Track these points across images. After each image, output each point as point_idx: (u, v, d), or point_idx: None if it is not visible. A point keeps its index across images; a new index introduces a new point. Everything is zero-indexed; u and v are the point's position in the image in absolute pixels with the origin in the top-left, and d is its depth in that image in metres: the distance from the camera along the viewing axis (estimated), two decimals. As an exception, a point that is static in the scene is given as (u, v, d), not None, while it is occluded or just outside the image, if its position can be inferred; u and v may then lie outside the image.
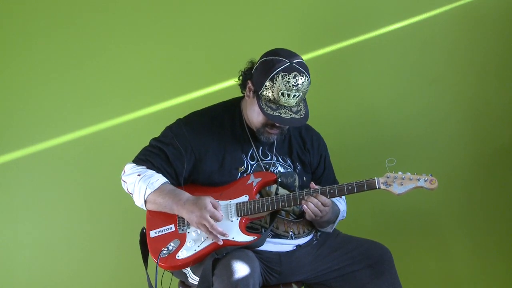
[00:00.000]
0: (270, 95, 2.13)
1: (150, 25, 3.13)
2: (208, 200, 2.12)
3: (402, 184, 2.15)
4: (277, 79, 2.12)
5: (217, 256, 2.08)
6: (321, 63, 3.10)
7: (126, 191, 2.26)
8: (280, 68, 2.13)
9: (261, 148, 2.31)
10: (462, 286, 3.19)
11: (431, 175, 2.14)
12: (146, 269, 2.26)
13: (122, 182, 2.27)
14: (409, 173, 2.16)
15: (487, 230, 3.17)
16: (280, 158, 2.33)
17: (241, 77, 2.27)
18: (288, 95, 2.12)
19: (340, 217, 2.41)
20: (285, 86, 2.11)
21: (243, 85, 2.27)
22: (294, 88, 2.12)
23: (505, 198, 3.15)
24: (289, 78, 2.12)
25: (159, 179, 2.19)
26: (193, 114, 2.34)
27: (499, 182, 3.15)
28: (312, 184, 2.21)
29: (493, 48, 3.13)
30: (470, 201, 3.17)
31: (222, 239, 2.12)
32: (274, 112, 2.14)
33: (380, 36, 3.13)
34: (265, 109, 2.14)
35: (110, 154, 3.10)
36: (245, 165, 2.28)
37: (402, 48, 3.15)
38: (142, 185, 2.18)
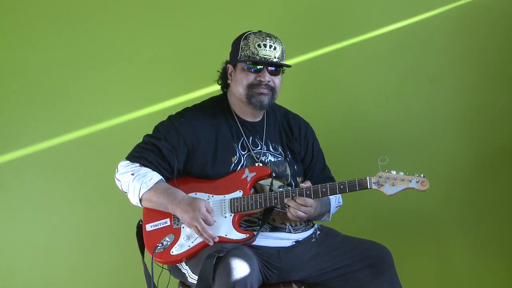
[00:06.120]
0: (247, 52, 2.25)
1: (150, 25, 3.15)
2: (203, 203, 2.16)
3: (394, 185, 2.12)
4: (250, 37, 2.27)
5: (213, 252, 2.06)
6: (318, 63, 3.10)
7: (121, 189, 2.29)
8: (250, 32, 2.29)
9: (251, 137, 2.35)
10: (462, 286, 3.18)
11: (423, 175, 2.11)
12: (143, 258, 2.30)
13: (116, 180, 2.30)
14: (402, 173, 2.14)
15: (487, 230, 3.16)
16: (271, 147, 2.37)
17: (220, 77, 2.41)
18: (265, 45, 2.24)
19: (336, 204, 2.44)
20: (259, 38, 2.26)
21: (222, 80, 2.40)
22: (267, 38, 2.26)
23: (505, 198, 3.15)
24: (261, 35, 2.27)
25: (152, 178, 2.22)
26: (184, 109, 2.39)
27: (499, 182, 3.15)
28: (303, 184, 2.23)
29: (492, 48, 3.13)
30: (470, 201, 3.17)
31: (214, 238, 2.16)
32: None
33: (379, 37, 3.13)
34: (247, 62, 2.26)
35: (110, 154, 3.07)
36: (238, 155, 2.31)
37: (401, 48, 3.15)
38: (136, 184, 2.21)
